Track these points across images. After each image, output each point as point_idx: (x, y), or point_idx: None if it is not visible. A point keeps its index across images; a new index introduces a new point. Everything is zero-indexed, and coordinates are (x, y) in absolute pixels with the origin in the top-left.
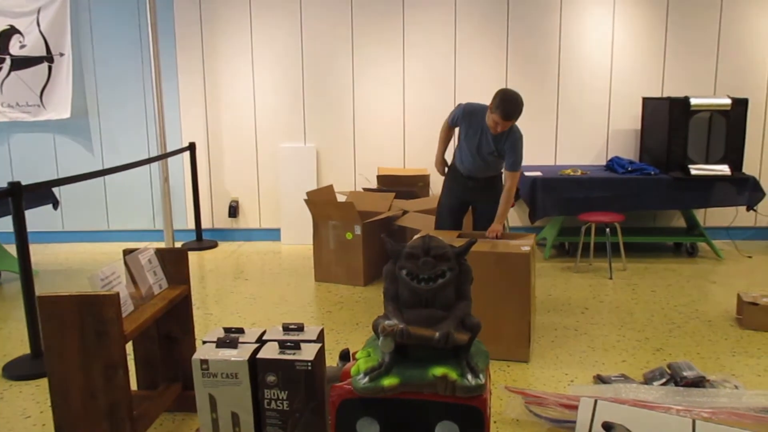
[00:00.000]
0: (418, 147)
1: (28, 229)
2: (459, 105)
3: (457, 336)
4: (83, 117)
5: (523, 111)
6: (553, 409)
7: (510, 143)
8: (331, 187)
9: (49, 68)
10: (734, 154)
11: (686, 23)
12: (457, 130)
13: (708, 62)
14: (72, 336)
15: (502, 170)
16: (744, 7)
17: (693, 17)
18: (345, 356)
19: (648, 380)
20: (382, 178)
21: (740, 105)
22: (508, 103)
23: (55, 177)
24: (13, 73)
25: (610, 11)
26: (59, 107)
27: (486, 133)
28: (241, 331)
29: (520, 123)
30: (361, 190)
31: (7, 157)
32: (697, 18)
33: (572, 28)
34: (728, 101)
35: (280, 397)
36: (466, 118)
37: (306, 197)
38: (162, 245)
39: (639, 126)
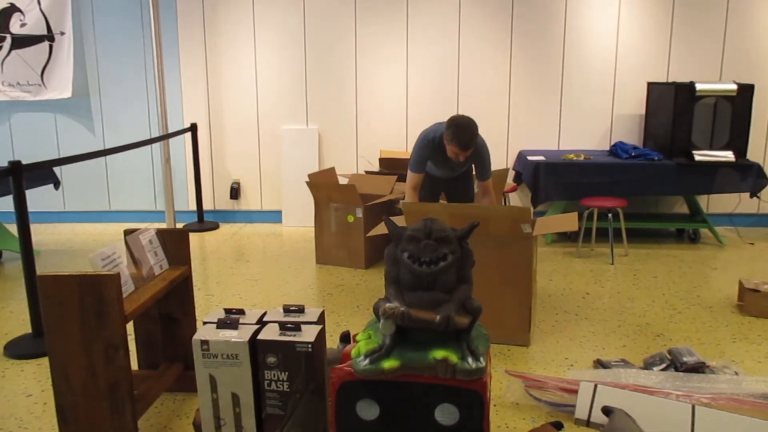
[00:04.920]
0: (420, 130)
1: (29, 209)
2: (418, 143)
3: (458, 319)
4: (84, 96)
5: (478, 133)
6: (553, 393)
7: (477, 157)
8: (332, 169)
9: (50, 47)
10: (739, 141)
11: (693, 7)
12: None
13: (714, 47)
14: (73, 315)
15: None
16: None
17: (700, 1)
18: (345, 338)
19: (648, 365)
20: (384, 161)
21: (746, 91)
22: (463, 134)
23: (56, 157)
24: (13, 52)
25: None
26: (60, 86)
27: (451, 159)
28: (241, 312)
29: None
30: (363, 173)
31: (8, 136)
32: (703, 2)
33: (577, 11)
34: (734, 87)
35: (281, 379)
36: (430, 156)
37: (308, 179)
38: (163, 226)
39: (643, 111)
